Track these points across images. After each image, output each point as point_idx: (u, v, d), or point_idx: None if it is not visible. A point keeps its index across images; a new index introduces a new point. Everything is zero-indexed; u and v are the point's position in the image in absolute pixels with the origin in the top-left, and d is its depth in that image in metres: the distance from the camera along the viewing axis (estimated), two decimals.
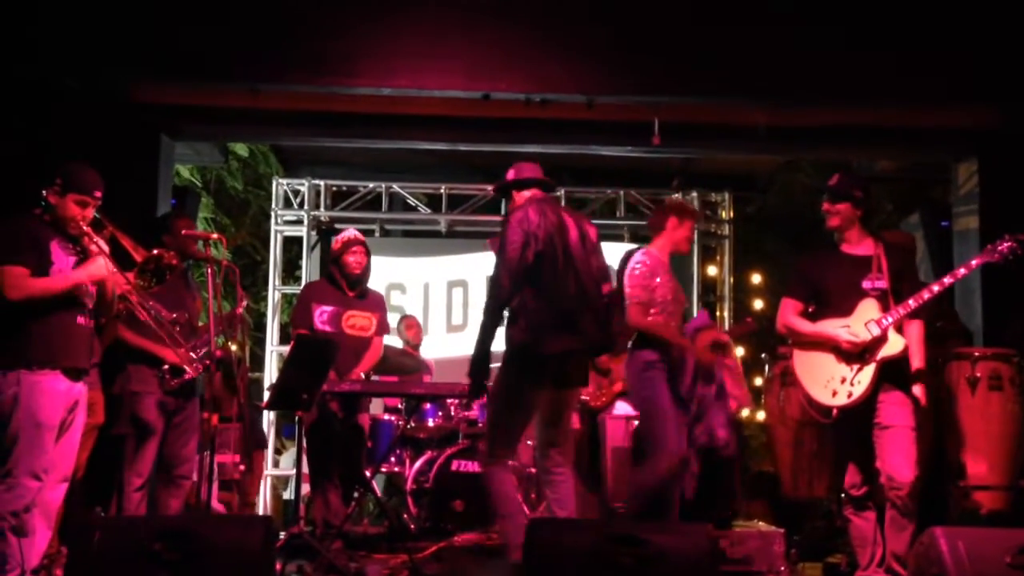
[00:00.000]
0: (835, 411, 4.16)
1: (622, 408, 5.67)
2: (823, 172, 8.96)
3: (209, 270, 4.41)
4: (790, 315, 4.31)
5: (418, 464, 6.06)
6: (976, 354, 5.00)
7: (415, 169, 8.86)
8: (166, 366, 4.54)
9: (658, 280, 4.67)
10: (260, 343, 9.04)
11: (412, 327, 7.53)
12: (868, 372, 4.08)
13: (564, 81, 5.88)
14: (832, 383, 4.15)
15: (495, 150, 7.40)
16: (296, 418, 5.06)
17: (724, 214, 9.01)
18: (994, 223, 6.18)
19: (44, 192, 3.88)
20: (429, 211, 9.04)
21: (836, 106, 6.03)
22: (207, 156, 7.82)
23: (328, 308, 5.27)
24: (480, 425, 6.31)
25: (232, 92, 5.97)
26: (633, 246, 5.13)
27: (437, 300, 8.81)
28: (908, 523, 4.01)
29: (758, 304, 9.31)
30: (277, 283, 8.69)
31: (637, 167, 8.47)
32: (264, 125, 6.56)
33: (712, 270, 8.98)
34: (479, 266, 8.87)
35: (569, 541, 3.42)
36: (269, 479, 8.22)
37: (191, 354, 4.53)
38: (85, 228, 3.87)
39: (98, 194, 3.89)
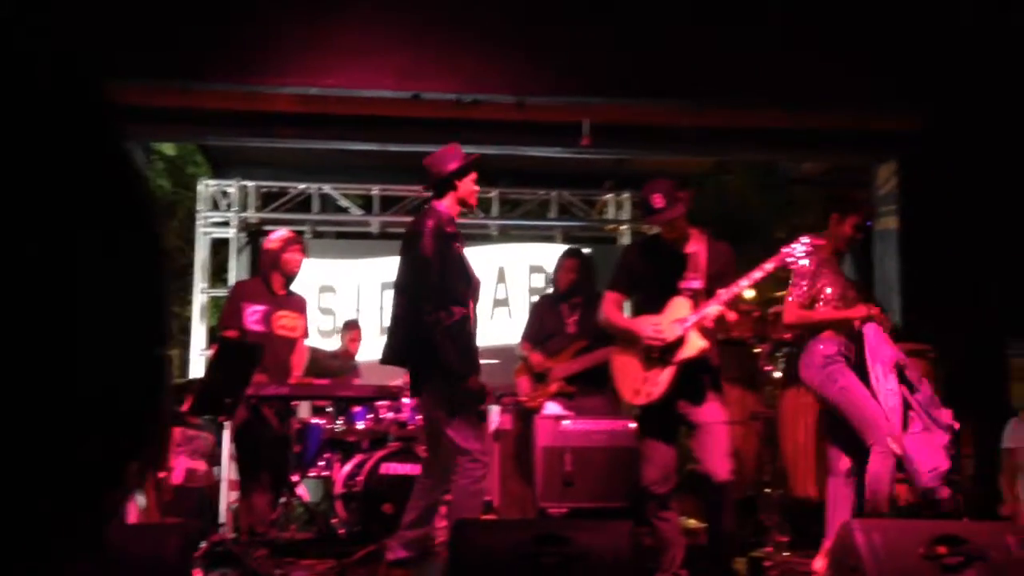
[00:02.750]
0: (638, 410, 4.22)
1: (552, 408, 5.67)
2: (754, 174, 9.15)
3: None
4: (610, 307, 4.27)
5: (347, 468, 5.99)
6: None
7: (346, 170, 8.78)
8: None
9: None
10: (186, 347, 8.87)
11: (356, 340, 7.44)
12: (667, 373, 4.05)
13: (494, 82, 5.90)
14: (635, 382, 4.13)
15: (427, 151, 7.36)
16: (220, 423, 4.97)
17: None
18: (912, 223, 6.37)
19: None
20: (361, 212, 8.96)
21: (760, 109, 6.13)
22: None
23: (259, 307, 5.20)
24: (410, 427, 6.27)
25: (158, 91, 5.85)
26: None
27: (369, 302, 8.74)
28: (729, 512, 4.10)
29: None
30: (204, 286, 8.54)
31: (570, 168, 8.52)
32: (191, 124, 6.44)
33: None
34: None
35: (495, 541, 3.42)
36: None
37: None
38: None
39: None
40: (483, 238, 9.11)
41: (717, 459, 4.03)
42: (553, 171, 8.65)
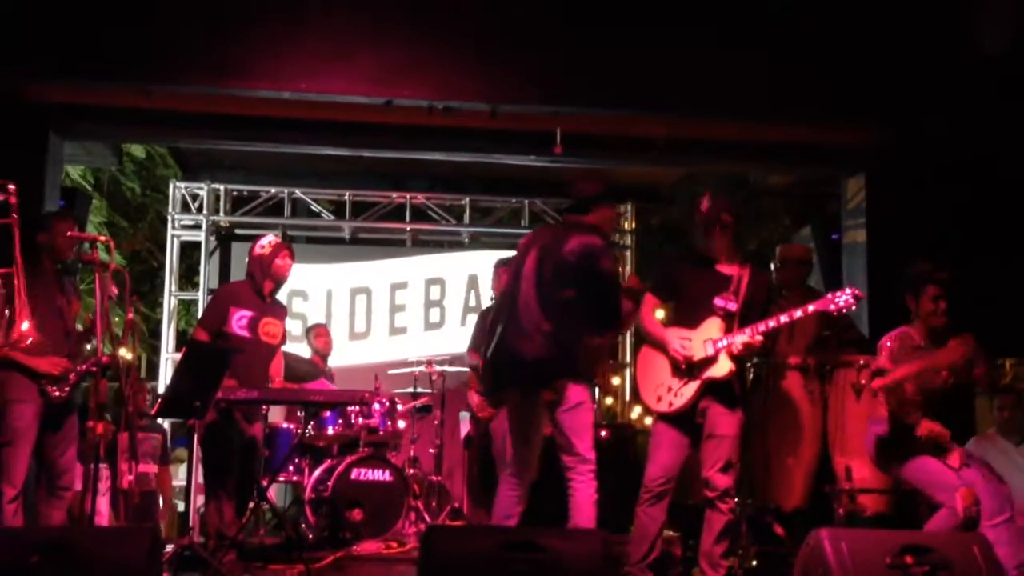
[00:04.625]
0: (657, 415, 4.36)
1: None
2: (724, 185, 9.22)
3: (96, 275, 4.25)
4: (646, 310, 4.42)
5: (317, 473, 5.97)
6: (861, 362, 5.15)
7: (319, 175, 8.76)
8: (44, 379, 4.36)
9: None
10: (156, 351, 8.79)
11: (321, 335, 7.41)
12: (691, 388, 4.23)
13: (467, 89, 5.90)
14: (660, 389, 4.31)
15: (399, 157, 7.37)
16: (189, 427, 4.92)
17: (627, 225, 9.15)
18: (880, 237, 6.45)
19: None
20: (333, 217, 8.93)
21: (731, 121, 6.19)
22: (100, 157, 7.58)
23: (248, 313, 5.14)
24: (381, 433, 6.25)
25: (124, 91, 5.81)
26: None
27: (340, 307, 8.71)
28: (717, 522, 4.23)
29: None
30: (173, 289, 8.47)
31: (542, 177, 8.54)
32: (159, 126, 6.38)
33: None
34: (382, 273, 8.81)
35: (465, 548, 3.40)
36: None
37: (67, 361, 4.38)
38: None
39: None
40: (455, 245, 9.12)
41: (718, 470, 4.19)
42: (525, 179, 8.67)
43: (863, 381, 5.07)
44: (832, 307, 4.21)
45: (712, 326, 4.25)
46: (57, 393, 4.37)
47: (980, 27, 5.83)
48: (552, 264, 4.17)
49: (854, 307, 4.23)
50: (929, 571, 3.28)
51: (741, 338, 4.17)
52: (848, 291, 4.23)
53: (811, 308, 4.24)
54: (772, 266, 5.73)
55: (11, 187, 3.95)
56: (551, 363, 4.13)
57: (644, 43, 5.90)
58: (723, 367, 4.19)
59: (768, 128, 6.31)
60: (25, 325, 3.95)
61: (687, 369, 4.24)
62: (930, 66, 5.98)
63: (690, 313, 4.32)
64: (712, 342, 4.21)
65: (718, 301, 4.25)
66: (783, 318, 4.19)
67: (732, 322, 4.22)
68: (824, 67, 5.93)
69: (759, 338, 4.18)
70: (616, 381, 9.04)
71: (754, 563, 4.96)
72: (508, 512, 4.29)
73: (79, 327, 4.55)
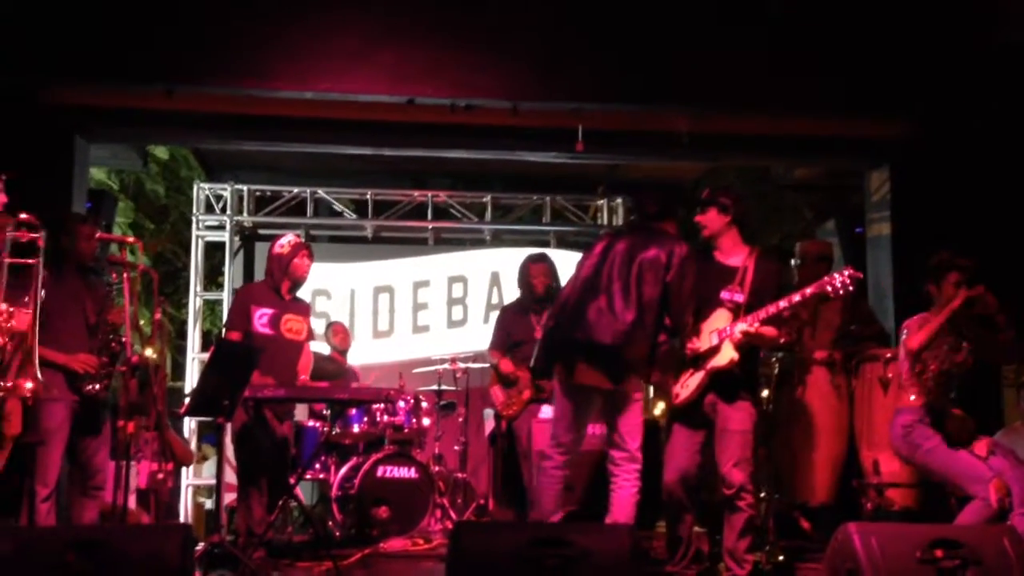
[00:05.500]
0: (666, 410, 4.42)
1: (548, 412, 5.67)
2: (747, 179, 9.19)
3: (125, 275, 4.29)
4: None
5: (343, 470, 6.01)
6: (888, 356, 5.14)
7: (341, 174, 8.79)
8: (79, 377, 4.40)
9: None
10: (182, 351, 8.85)
11: (339, 333, 7.48)
12: (696, 379, 4.26)
13: (488, 87, 5.92)
14: (676, 386, 4.35)
15: (421, 155, 7.39)
16: (217, 425, 4.96)
17: None
18: (905, 229, 6.41)
19: None
20: (355, 216, 8.97)
21: (754, 115, 6.17)
22: (124, 159, 7.64)
23: (268, 311, 5.20)
24: (406, 431, 6.28)
25: (148, 93, 5.85)
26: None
27: (363, 306, 8.74)
28: (737, 519, 4.23)
29: None
30: (199, 289, 8.52)
31: (563, 173, 8.53)
32: (182, 127, 6.44)
33: None
34: (405, 272, 8.84)
35: (494, 544, 3.42)
36: (190, 488, 8.06)
37: (94, 358, 4.41)
38: None
39: None
40: (477, 242, 9.13)
41: (732, 466, 4.20)
42: (546, 176, 8.66)
43: (889, 375, 5.05)
44: (829, 288, 4.16)
45: (720, 318, 4.26)
46: (95, 387, 4.40)
47: (1007, 14, 5.79)
48: (641, 261, 4.25)
49: (851, 288, 4.17)
50: (959, 565, 3.26)
51: (741, 326, 4.17)
52: (846, 271, 4.18)
53: (809, 291, 4.19)
54: (793, 262, 5.71)
55: (37, 225, 3.94)
56: (625, 354, 4.22)
57: (665, 38, 5.89)
58: (725, 356, 4.19)
59: (791, 121, 6.29)
60: None
61: (693, 360, 4.28)
62: (955, 58, 5.94)
63: (701, 309, 4.32)
64: (717, 332, 4.24)
65: (724, 294, 4.27)
66: (782, 303, 4.16)
67: (740, 313, 4.23)
68: (847, 60, 5.91)
69: (758, 325, 4.16)
70: None
71: (781, 558, 4.94)
72: (555, 504, 4.36)
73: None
